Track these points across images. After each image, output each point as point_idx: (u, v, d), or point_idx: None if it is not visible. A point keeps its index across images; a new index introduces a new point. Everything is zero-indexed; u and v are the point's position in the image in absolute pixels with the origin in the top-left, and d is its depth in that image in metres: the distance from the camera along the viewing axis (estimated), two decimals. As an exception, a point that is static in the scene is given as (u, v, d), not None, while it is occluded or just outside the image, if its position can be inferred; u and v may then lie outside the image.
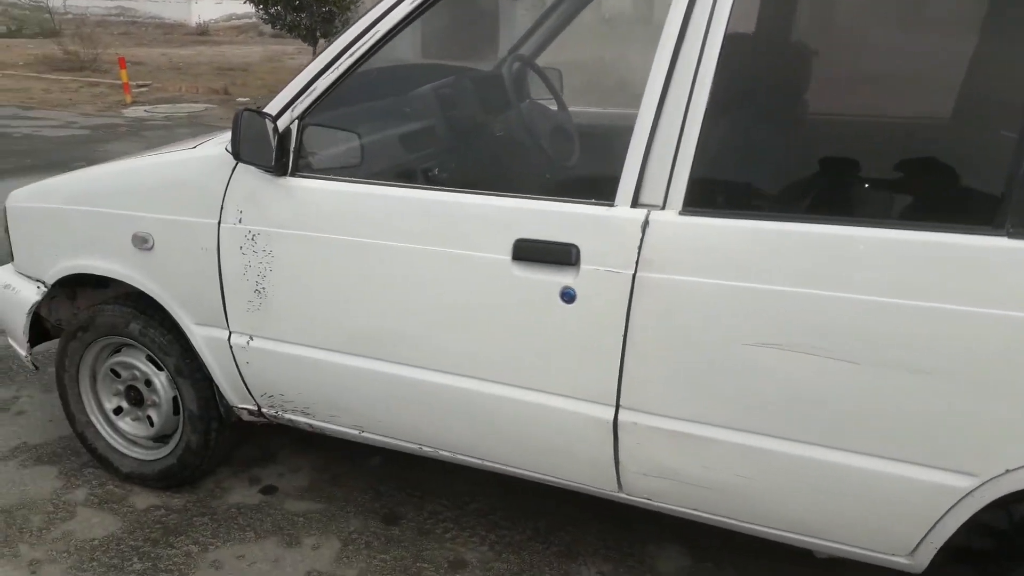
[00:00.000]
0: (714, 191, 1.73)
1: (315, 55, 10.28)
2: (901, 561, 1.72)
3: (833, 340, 1.57)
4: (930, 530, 1.63)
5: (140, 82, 11.46)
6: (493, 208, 1.84)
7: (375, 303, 1.99)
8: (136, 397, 2.50)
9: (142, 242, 2.23)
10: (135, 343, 2.41)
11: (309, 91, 1.99)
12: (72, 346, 2.50)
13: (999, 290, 1.44)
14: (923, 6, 1.96)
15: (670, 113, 1.67)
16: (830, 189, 1.81)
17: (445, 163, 2.17)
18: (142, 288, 2.29)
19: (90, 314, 2.43)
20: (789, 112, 2.03)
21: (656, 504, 1.92)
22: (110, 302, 2.42)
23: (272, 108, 2.02)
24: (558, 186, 2.12)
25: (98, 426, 2.58)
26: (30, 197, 2.50)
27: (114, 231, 2.28)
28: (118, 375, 2.50)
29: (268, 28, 23.90)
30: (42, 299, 2.51)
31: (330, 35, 9.86)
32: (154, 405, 2.47)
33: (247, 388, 2.28)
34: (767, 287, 1.60)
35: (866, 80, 2.00)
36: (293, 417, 2.28)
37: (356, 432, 2.21)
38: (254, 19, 25.43)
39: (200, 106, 10.26)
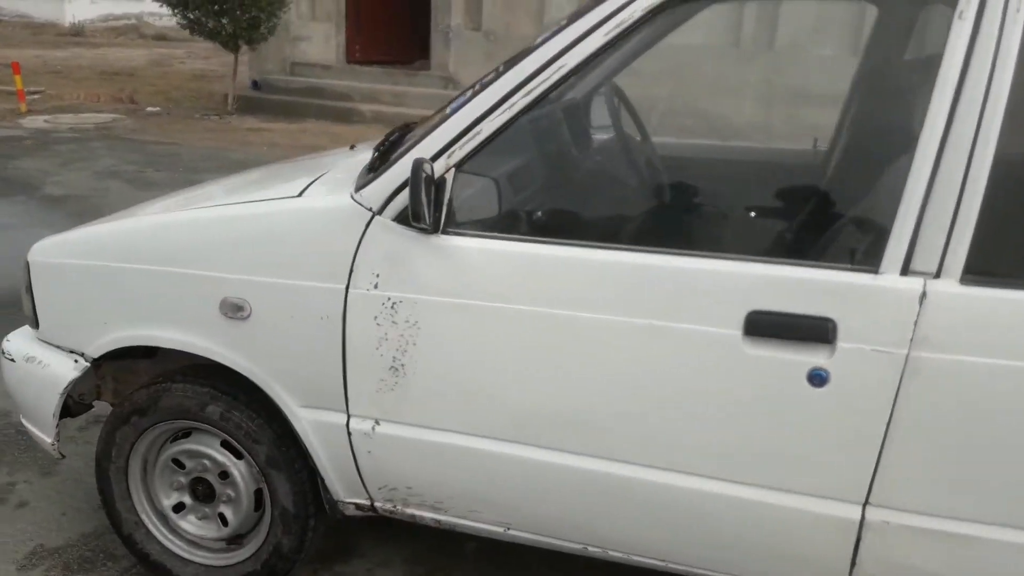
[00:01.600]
0: (1001, 256, 1.51)
1: (236, 63, 9.60)
2: None
3: None
4: None
5: (32, 88, 10.45)
6: (718, 274, 1.56)
7: (558, 384, 1.67)
8: (205, 492, 2.08)
9: (235, 310, 1.83)
10: (208, 427, 2.00)
11: (471, 135, 1.66)
12: (123, 432, 2.05)
13: None
14: None
15: (950, 166, 1.44)
16: None
17: (647, 219, 1.87)
18: (230, 364, 1.89)
19: (150, 394, 2.00)
20: None
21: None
22: (176, 379, 1.99)
23: (421, 153, 1.68)
24: (793, 247, 1.85)
25: (151, 526, 2.13)
26: (65, 251, 2.04)
27: (194, 296, 1.87)
28: (182, 466, 2.07)
29: (149, 30, 22.63)
30: (81, 376, 2.05)
31: (255, 42, 9.24)
32: (229, 500, 2.05)
33: (362, 480, 1.91)
34: None
35: None
36: (418, 512, 1.93)
37: (501, 530, 1.88)
38: (134, 21, 24.01)
39: (107, 116, 9.42)
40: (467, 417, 1.76)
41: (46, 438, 2.15)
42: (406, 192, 1.69)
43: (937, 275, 1.46)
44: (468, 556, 2.30)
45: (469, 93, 1.74)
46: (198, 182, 6.73)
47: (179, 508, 2.12)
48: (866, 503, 1.57)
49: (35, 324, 2.11)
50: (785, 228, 1.85)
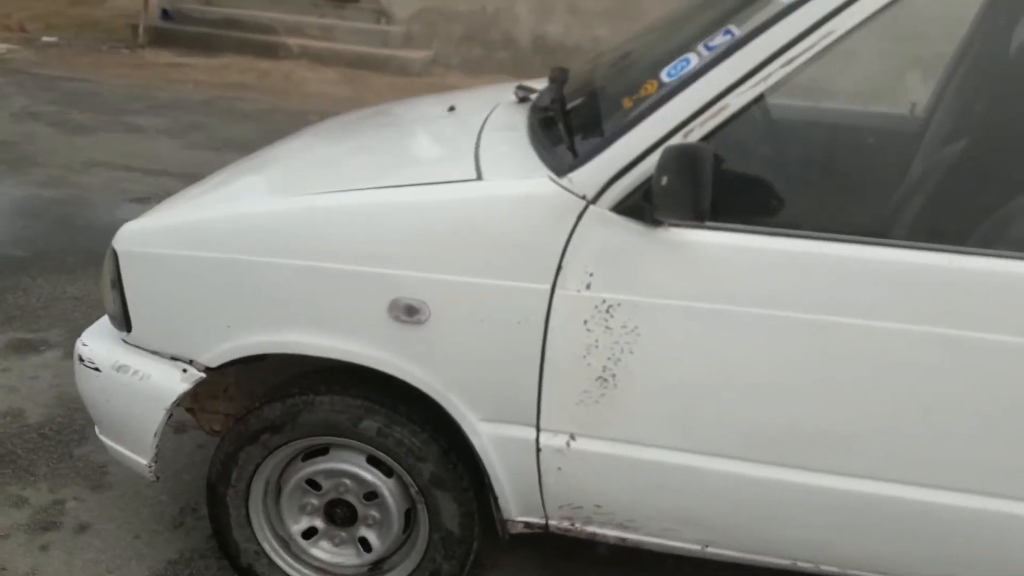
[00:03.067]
0: None
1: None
2: None
3: None
4: None
5: (-100, 13, 9.22)
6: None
7: (818, 399, 1.50)
8: (345, 515, 1.82)
9: (409, 312, 1.57)
10: (353, 443, 1.73)
11: (714, 110, 1.43)
12: (248, 452, 1.75)
13: None
14: None
15: None
16: None
17: (929, 210, 1.65)
18: (399, 375, 1.62)
19: (287, 409, 1.71)
20: None
21: None
22: (320, 391, 1.71)
23: (653, 129, 1.45)
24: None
25: (274, 556, 1.86)
26: (171, 240, 1.69)
27: (357, 296, 1.59)
28: (317, 487, 1.80)
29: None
30: (192, 387, 1.73)
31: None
32: (374, 523, 1.80)
33: (542, 498, 1.70)
34: None
35: None
36: (600, 531, 1.74)
37: (699, 547, 1.71)
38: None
39: (-1, 47, 8.42)
40: (688, 433, 1.57)
41: (140, 459, 1.82)
42: (628, 178, 1.47)
43: None
44: (601, 560, 2.14)
45: (696, 60, 1.51)
46: (132, 125, 6.20)
47: (309, 533, 1.85)
48: None
49: (124, 325, 1.77)
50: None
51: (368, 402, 1.68)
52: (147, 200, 4.14)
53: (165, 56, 8.70)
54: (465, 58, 8.54)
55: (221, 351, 1.69)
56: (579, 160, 1.52)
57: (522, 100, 2.10)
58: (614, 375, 1.55)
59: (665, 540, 1.72)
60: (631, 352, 1.53)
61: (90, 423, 2.03)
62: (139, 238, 1.73)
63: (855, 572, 1.66)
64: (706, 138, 1.44)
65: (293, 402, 1.71)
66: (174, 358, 1.74)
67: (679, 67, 1.53)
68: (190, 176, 2.69)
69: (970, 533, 1.54)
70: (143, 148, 5.36)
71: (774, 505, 1.60)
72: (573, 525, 1.75)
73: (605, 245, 1.50)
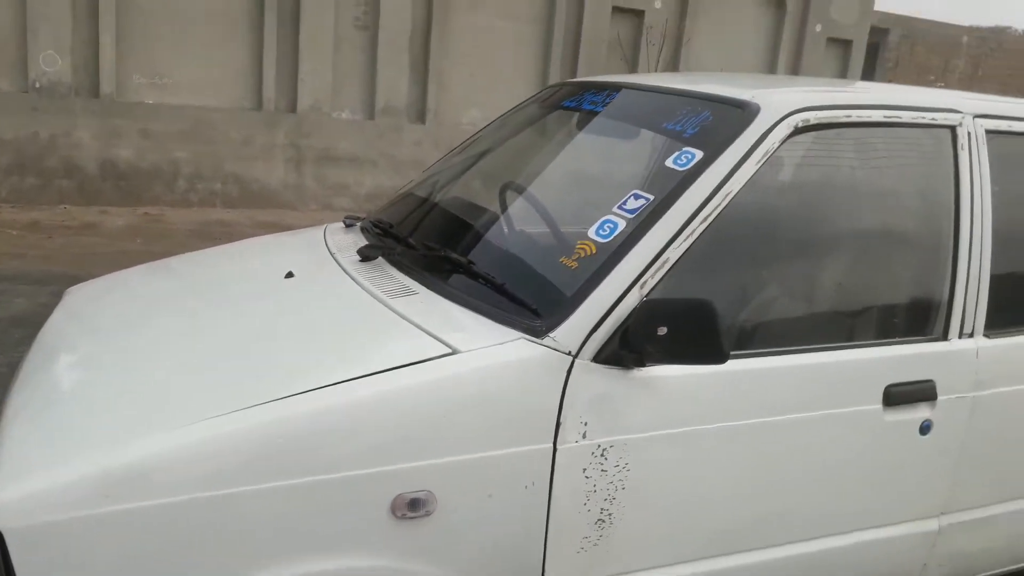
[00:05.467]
0: (1007, 315, 2.07)
1: None
2: None
3: None
4: None
5: None
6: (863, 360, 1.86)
7: (769, 486, 1.79)
8: None
9: (414, 507, 1.47)
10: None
11: (660, 263, 1.64)
12: None
13: None
14: None
15: (974, 252, 1.98)
16: None
17: (819, 315, 1.96)
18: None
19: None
20: None
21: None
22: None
23: (614, 287, 1.61)
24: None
25: None
26: (91, 495, 1.31)
27: (354, 503, 1.44)
28: None
29: None
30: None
31: None
32: None
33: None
34: None
35: None
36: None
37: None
38: None
39: None
40: (676, 548, 1.74)
41: None
42: (602, 330, 1.60)
43: (972, 335, 1.99)
44: None
45: (622, 222, 1.71)
46: None
47: None
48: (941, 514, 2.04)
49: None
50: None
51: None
52: None
53: None
54: (16, 189, 7.45)
55: None
56: (556, 319, 1.60)
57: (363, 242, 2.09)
58: (610, 514, 1.64)
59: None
60: (623, 488, 1.64)
61: None
62: (38, 506, 1.31)
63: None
64: (654, 288, 1.64)
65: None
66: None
67: (608, 228, 1.71)
68: None
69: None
70: None
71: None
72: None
73: (593, 393, 1.60)
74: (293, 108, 8.18)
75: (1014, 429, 2.07)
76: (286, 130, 8.19)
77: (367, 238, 2.19)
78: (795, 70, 10.39)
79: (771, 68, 10.38)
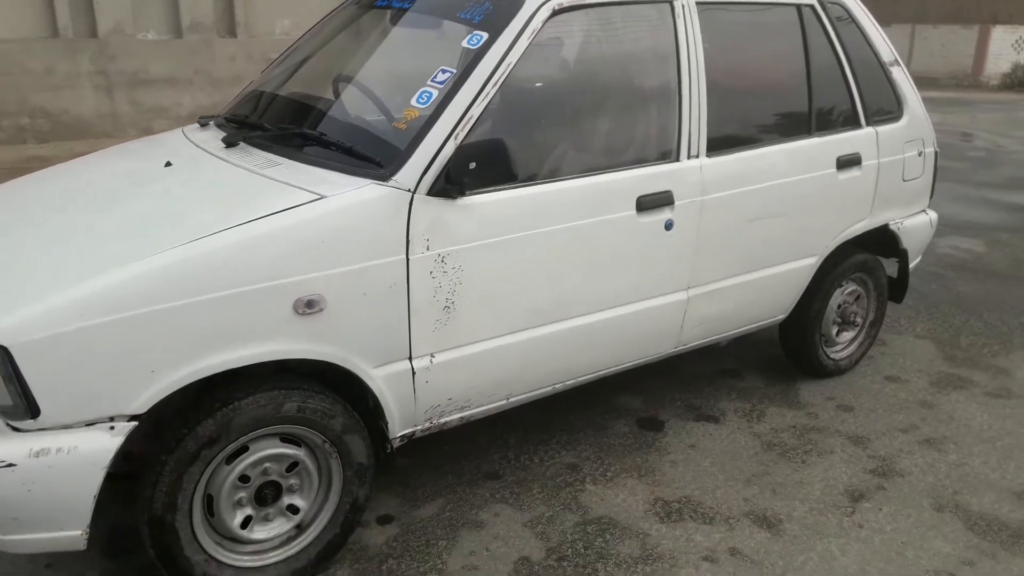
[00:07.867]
0: (721, 141, 2.83)
1: None
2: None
3: None
4: None
5: None
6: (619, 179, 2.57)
7: (558, 278, 2.48)
8: (272, 494, 2.17)
9: (309, 306, 2.06)
10: (271, 430, 2.12)
11: (467, 118, 2.25)
12: (190, 473, 1.99)
13: None
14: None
15: (694, 96, 2.72)
16: None
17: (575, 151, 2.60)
18: (311, 356, 2.09)
19: (219, 421, 2.00)
20: None
21: (698, 344, 3.02)
22: (238, 396, 2.04)
23: (436, 138, 2.21)
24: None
25: (220, 557, 2.11)
26: (72, 315, 1.81)
27: (265, 306, 2.01)
28: (245, 480, 2.11)
29: None
30: (128, 438, 1.91)
31: None
32: (297, 489, 2.21)
33: (415, 410, 2.35)
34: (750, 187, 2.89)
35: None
36: (446, 419, 2.46)
37: (504, 402, 2.57)
38: None
39: None
40: (498, 323, 2.42)
41: (72, 532, 1.90)
42: (431, 172, 2.21)
43: (699, 156, 2.75)
44: (446, 454, 2.81)
45: (435, 92, 2.30)
46: None
47: (245, 523, 2.15)
48: (688, 288, 2.84)
49: (28, 414, 1.82)
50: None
51: (284, 390, 2.10)
52: None
53: None
54: None
55: (150, 395, 1.91)
56: (395, 166, 2.20)
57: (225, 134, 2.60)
58: (453, 303, 2.30)
59: (485, 406, 2.54)
60: (460, 283, 2.30)
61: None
62: (32, 326, 1.80)
63: (584, 377, 2.73)
64: (465, 137, 2.25)
65: (222, 413, 2.02)
66: (90, 423, 1.88)
67: (426, 96, 2.30)
68: None
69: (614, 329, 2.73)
70: None
71: (547, 350, 2.55)
72: (431, 422, 2.43)
73: (430, 218, 2.21)
74: (93, 32, 8.02)
75: (730, 221, 2.88)
76: (90, 56, 8.05)
77: (226, 130, 2.67)
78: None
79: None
